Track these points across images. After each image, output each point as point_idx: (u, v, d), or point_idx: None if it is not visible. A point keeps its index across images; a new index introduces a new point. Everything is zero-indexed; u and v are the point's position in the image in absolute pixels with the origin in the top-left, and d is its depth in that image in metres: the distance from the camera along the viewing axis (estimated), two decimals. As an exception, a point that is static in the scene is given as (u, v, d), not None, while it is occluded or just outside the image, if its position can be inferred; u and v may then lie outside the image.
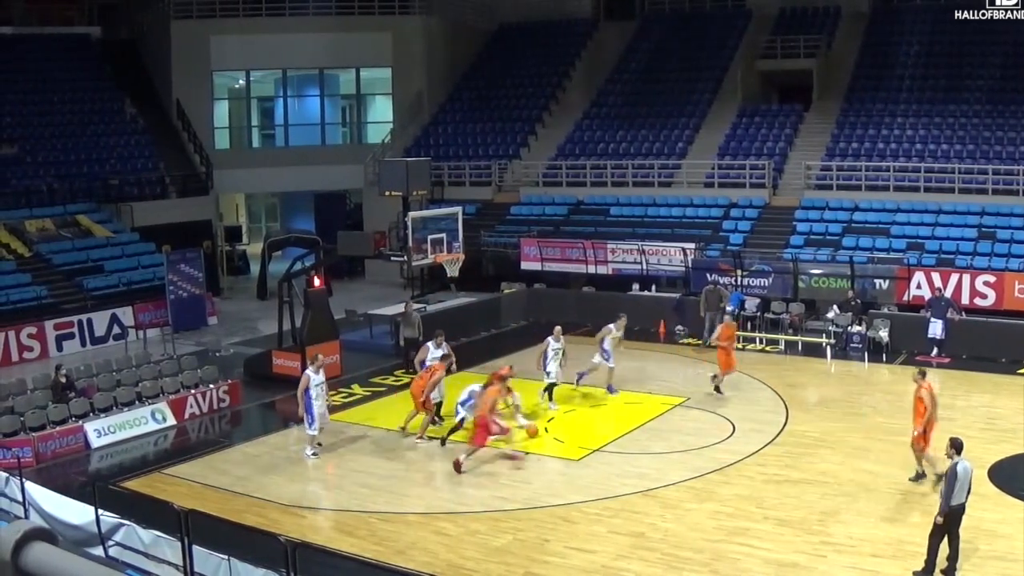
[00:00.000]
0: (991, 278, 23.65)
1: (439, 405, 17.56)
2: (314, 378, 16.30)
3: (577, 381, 19.24)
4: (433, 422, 17.33)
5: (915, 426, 14.00)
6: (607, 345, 19.03)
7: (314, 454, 16.38)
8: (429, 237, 23.32)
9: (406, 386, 20.12)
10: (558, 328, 19.01)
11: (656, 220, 29.98)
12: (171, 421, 18.44)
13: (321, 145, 37.31)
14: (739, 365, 19.66)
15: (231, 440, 18.06)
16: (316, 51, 35.91)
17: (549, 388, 18.54)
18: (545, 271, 28.94)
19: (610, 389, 19.30)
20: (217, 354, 23.84)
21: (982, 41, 31.35)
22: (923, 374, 14.46)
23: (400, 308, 25.23)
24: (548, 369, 18.34)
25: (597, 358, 19.14)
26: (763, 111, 33.29)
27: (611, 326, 19.34)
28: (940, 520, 11.12)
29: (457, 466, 15.30)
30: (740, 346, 23.48)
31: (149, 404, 18.44)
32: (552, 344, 18.44)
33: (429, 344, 18.44)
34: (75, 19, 36.41)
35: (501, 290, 28.39)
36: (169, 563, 10.27)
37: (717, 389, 19.12)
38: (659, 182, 31.47)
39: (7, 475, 12.56)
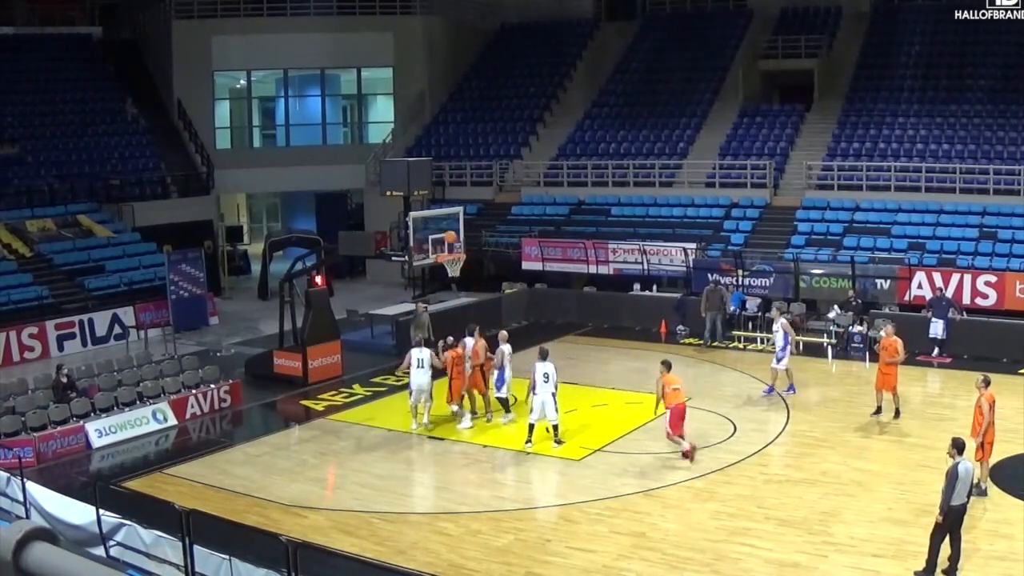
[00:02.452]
0: (992, 278, 23.63)
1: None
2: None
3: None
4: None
5: (974, 437, 13.40)
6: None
7: (511, 421, 17.80)
8: (430, 237, 23.33)
9: (408, 386, 19.99)
10: None
11: (657, 220, 29.95)
12: (172, 421, 18.45)
13: (322, 145, 37.29)
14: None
15: (232, 440, 18.06)
16: (317, 51, 35.90)
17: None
18: (546, 271, 28.93)
19: (773, 389, 19.16)
20: (218, 354, 23.85)
21: (983, 41, 31.33)
22: (987, 382, 13.78)
23: (402, 308, 25.29)
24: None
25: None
26: (764, 111, 33.27)
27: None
28: (940, 519, 11.12)
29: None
30: (741, 346, 23.53)
31: (150, 404, 18.45)
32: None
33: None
34: (77, 19, 36.42)
35: (502, 290, 28.38)
36: (170, 563, 10.26)
37: (897, 413, 17.41)
38: (660, 182, 31.44)
39: (8, 475, 12.55)
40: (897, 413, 17.36)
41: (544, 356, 16.61)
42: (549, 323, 25.98)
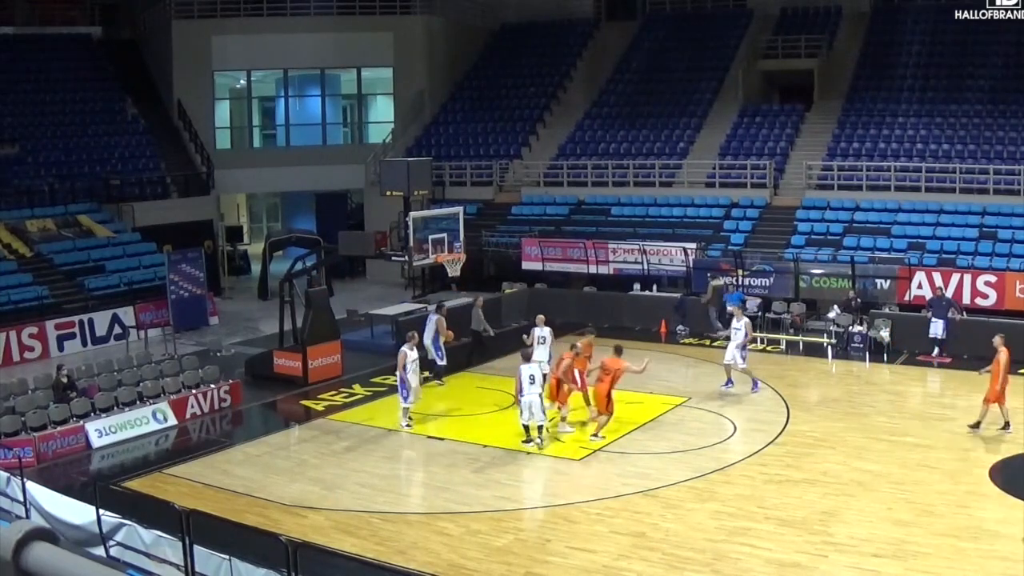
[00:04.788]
0: (992, 278, 23.64)
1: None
2: (409, 355, 17.70)
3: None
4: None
5: None
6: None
7: (408, 425, 17.74)
8: (430, 237, 23.32)
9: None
10: None
11: (657, 220, 29.96)
12: (172, 421, 18.44)
13: (322, 145, 37.30)
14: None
15: (232, 440, 18.06)
16: (317, 51, 35.91)
17: None
18: (546, 271, 28.93)
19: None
20: (218, 354, 23.84)
21: (983, 41, 31.34)
22: None
23: (402, 308, 25.33)
24: None
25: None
26: (764, 111, 33.28)
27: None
28: None
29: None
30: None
31: (150, 404, 18.44)
32: None
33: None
34: (77, 19, 36.42)
35: (502, 290, 28.38)
36: (170, 563, 10.25)
37: (977, 425, 16.35)
38: (660, 182, 31.45)
39: (8, 475, 12.54)
40: (1006, 425, 16.16)
41: (527, 359, 16.72)
42: (549, 323, 25.91)
